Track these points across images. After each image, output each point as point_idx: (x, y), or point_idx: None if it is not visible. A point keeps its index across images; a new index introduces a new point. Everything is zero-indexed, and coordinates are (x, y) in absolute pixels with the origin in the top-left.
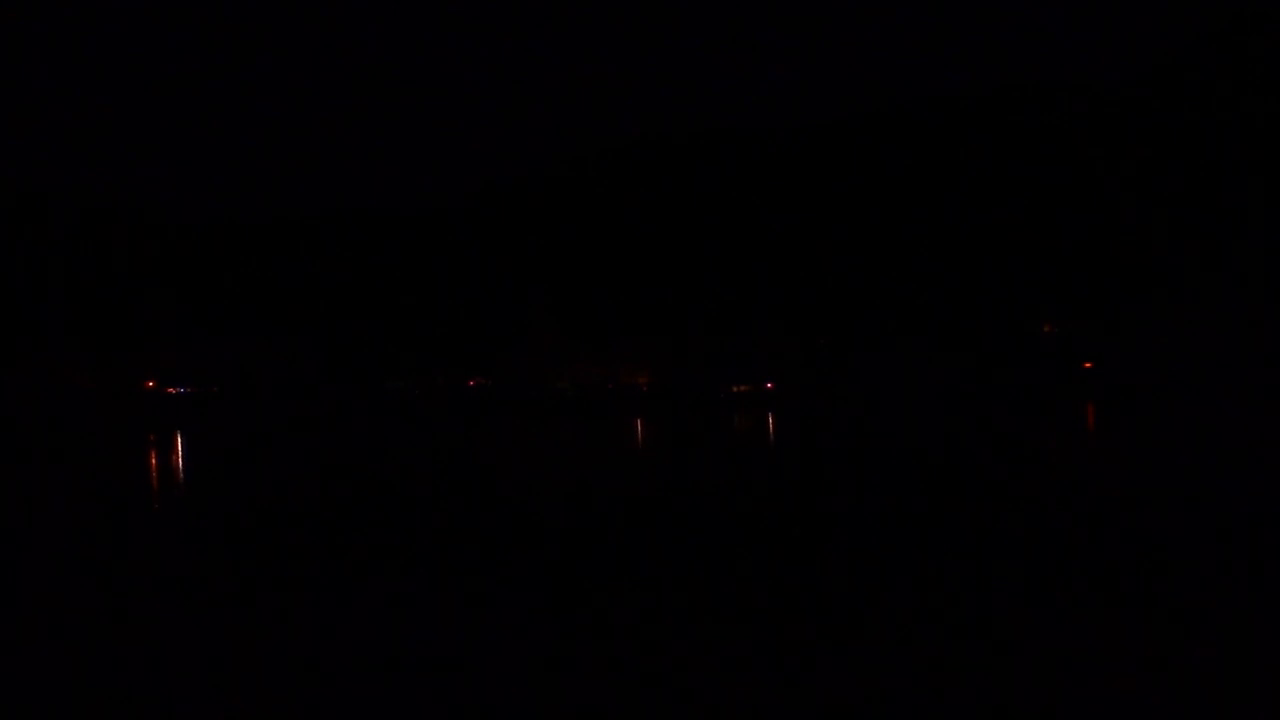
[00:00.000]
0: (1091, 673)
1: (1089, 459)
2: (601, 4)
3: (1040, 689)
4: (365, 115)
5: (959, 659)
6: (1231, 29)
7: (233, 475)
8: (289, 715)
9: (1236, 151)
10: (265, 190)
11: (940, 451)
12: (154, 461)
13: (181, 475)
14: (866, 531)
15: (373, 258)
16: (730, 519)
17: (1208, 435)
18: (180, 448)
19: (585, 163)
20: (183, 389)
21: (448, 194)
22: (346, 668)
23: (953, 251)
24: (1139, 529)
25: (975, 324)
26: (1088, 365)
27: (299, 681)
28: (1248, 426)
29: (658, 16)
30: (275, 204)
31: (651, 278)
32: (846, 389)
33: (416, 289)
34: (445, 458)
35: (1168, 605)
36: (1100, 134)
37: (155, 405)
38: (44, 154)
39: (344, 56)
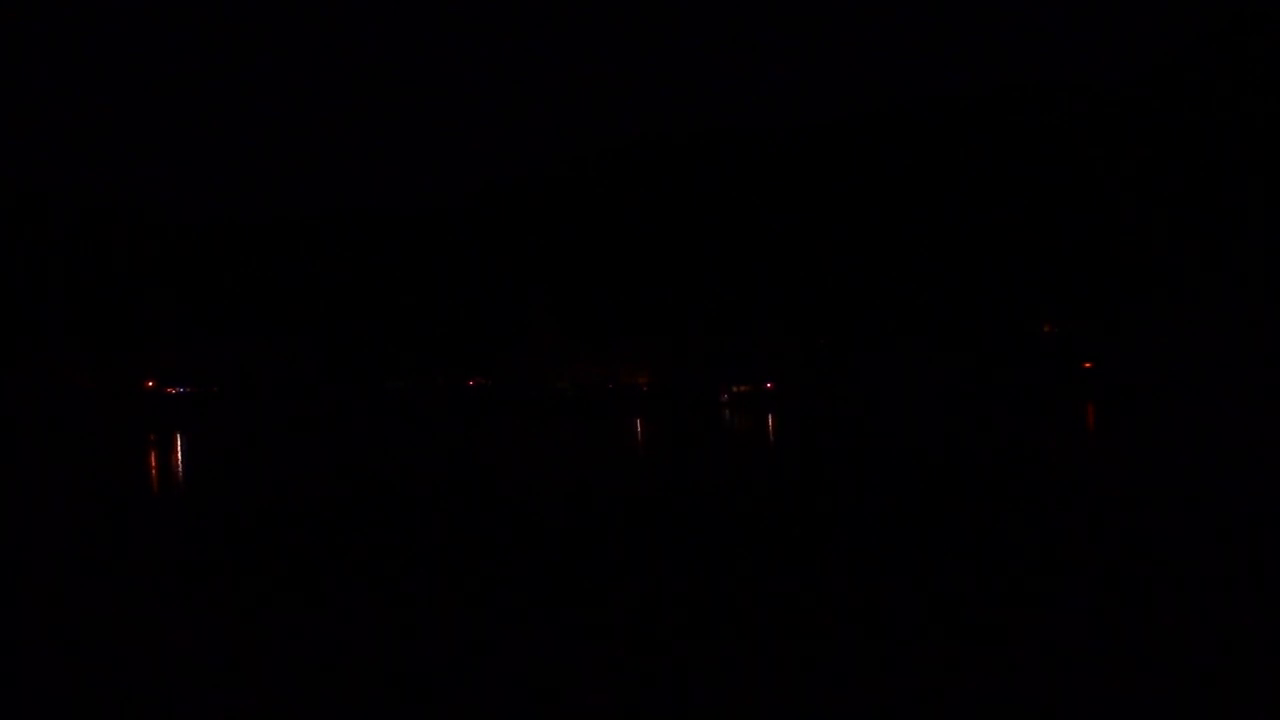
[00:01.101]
0: (1091, 673)
1: (1089, 459)
2: (601, 4)
3: (1040, 689)
4: (365, 115)
5: (959, 659)
6: (1231, 29)
7: (232, 475)
8: (287, 716)
9: (1236, 151)
10: (265, 190)
11: (940, 451)
12: (153, 461)
13: (180, 475)
14: (866, 531)
15: (373, 258)
16: (729, 519)
17: (1208, 435)
18: (180, 448)
19: (585, 163)
20: (182, 389)
21: (448, 194)
22: (346, 668)
23: (953, 251)
24: (1139, 529)
25: (975, 324)
26: (1087, 365)
27: (296, 682)
28: (1248, 426)
29: (658, 16)
30: (275, 204)
31: (651, 278)
32: (846, 389)
33: (416, 289)
34: (445, 458)
35: (1167, 605)
36: (1100, 134)
37: (155, 405)
38: (44, 154)
39: (344, 56)
